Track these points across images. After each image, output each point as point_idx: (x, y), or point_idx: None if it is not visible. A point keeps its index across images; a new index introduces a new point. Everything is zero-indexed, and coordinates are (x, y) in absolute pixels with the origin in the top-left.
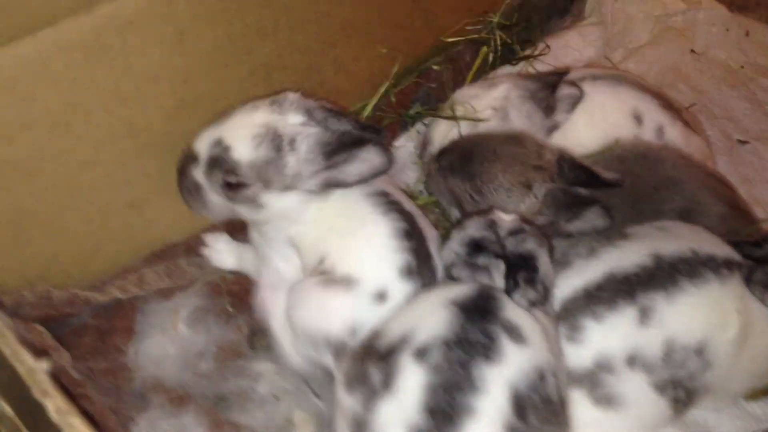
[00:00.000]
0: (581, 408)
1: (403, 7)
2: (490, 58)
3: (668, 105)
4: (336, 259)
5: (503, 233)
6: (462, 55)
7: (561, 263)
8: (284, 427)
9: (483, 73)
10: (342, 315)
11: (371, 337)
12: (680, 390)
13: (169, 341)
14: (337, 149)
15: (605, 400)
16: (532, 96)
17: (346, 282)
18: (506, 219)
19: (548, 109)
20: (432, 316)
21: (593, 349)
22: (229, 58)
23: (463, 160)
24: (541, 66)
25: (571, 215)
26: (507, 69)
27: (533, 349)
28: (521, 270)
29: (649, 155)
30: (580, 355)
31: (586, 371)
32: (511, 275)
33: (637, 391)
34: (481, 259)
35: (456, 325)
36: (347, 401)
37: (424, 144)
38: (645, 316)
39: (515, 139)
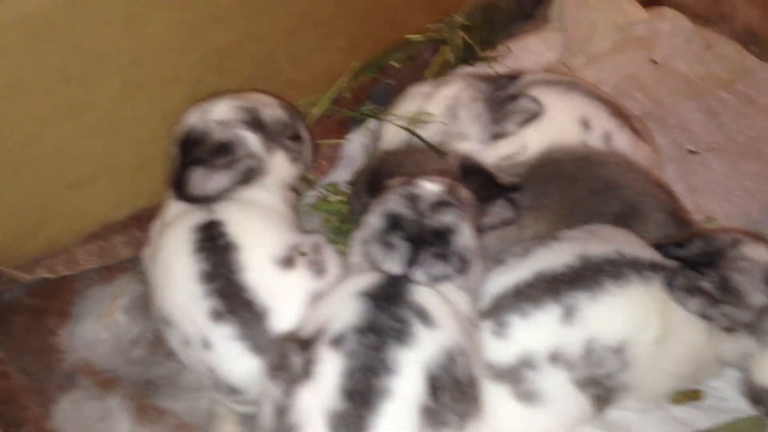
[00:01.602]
0: (504, 403)
1: (364, 2)
2: (450, 58)
3: (617, 112)
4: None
5: (425, 206)
6: (422, 53)
7: (496, 261)
8: (208, 417)
9: (442, 71)
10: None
11: (293, 330)
12: (600, 388)
13: (103, 327)
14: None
15: (527, 395)
16: (484, 98)
17: (166, 323)
18: (431, 190)
19: (499, 115)
20: (344, 308)
21: (518, 346)
22: (180, 43)
23: (373, 177)
24: (501, 68)
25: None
26: (467, 69)
27: (443, 331)
28: (431, 246)
29: (591, 159)
30: (505, 350)
31: (509, 367)
32: (413, 254)
33: (558, 387)
34: (394, 238)
35: (367, 313)
36: (270, 389)
37: (374, 139)
38: (569, 314)
39: (418, 149)
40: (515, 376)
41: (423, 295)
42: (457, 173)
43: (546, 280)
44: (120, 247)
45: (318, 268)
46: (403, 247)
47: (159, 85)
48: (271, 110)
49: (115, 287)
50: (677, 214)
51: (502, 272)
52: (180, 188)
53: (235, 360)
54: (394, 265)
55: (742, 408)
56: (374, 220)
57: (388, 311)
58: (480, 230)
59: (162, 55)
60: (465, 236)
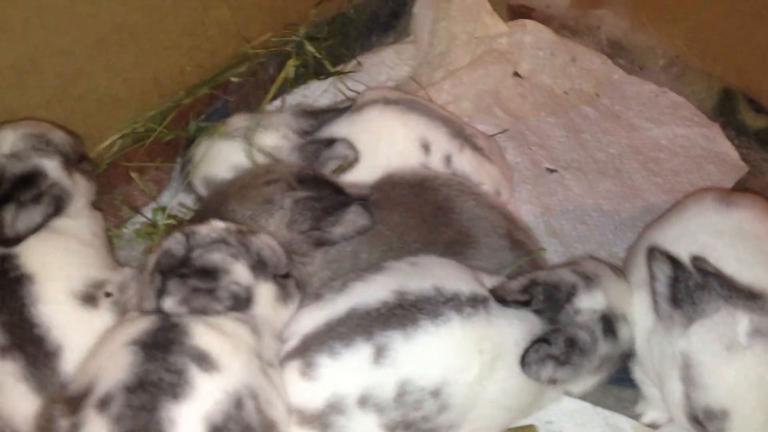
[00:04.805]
0: None
1: (191, 13)
2: (292, 73)
3: (458, 132)
4: None
5: (197, 243)
6: (266, 67)
7: (315, 296)
8: None
9: (289, 87)
10: None
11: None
12: (415, 431)
13: None
14: None
15: None
16: (299, 149)
17: None
18: (211, 228)
19: (316, 163)
20: (113, 361)
21: (326, 389)
22: None
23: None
24: (352, 83)
25: (332, 221)
26: (315, 84)
27: (227, 374)
28: (188, 278)
29: (425, 184)
30: (313, 393)
31: (318, 411)
32: (162, 286)
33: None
34: (155, 273)
35: (137, 367)
36: None
37: (184, 164)
38: (380, 354)
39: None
40: (323, 421)
41: (201, 334)
42: (292, 181)
43: (359, 317)
44: None
45: (123, 310)
46: (156, 279)
47: None
48: (57, 133)
49: None
50: (511, 237)
51: (317, 308)
52: None
53: (19, 400)
54: (149, 301)
55: None
56: (151, 259)
57: (160, 361)
58: (331, 242)
59: None
60: (237, 275)
